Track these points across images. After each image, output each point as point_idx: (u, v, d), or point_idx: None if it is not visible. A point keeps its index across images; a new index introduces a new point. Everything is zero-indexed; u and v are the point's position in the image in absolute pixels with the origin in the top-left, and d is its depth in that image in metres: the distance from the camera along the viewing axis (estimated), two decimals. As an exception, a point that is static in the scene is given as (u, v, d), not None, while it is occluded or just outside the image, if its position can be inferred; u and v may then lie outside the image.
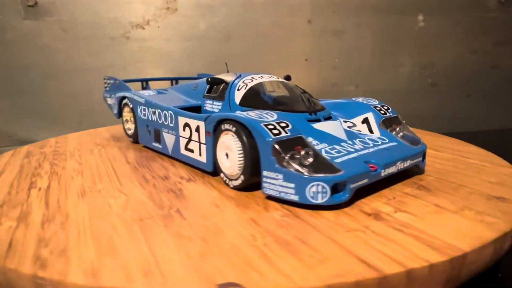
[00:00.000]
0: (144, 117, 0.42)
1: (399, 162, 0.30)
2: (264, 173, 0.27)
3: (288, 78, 0.41)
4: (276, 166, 0.26)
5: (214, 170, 0.33)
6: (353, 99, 0.38)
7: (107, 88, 0.51)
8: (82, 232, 0.23)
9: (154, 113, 0.40)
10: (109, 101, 0.50)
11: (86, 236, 0.22)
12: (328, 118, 0.34)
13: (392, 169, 0.30)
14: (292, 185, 0.26)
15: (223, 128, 0.30)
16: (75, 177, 0.33)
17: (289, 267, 0.19)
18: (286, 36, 0.67)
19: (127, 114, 0.46)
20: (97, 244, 0.21)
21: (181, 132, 0.36)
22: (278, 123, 0.28)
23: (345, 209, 0.26)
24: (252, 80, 0.37)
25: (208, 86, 0.40)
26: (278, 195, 0.27)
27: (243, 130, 0.28)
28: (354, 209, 0.26)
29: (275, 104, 0.34)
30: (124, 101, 0.46)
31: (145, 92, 0.45)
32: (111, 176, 0.34)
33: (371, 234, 0.22)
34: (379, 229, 0.23)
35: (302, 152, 0.27)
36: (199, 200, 0.28)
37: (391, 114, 0.36)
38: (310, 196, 0.26)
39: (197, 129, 0.33)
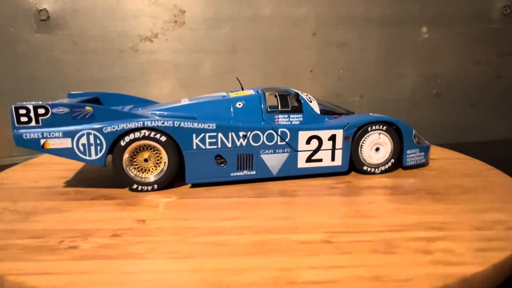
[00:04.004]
0: (213, 146, 0.36)
1: None
2: (408, 151, 0.41)
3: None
4: (417, 144, 0.42)
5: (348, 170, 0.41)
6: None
7: (34, 123, 0.33)
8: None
9: (244, 137, 0.36)
10: (57, 143, 0.33)
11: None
12: None
13: None
14: (423, 153, 0.43)
15: (370, 129, 0.40)
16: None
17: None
18: (291, 48, 0.68)
19: (139, 155, 0.35)
20: None
21: (301, 147, 0.38)
22: None
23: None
24: (306, 94, 0.43)
25: (267, 103, 0.40)
26: (415, 163, 0.42)
27: (390, 127, 0.40)
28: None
29: (340, 110, 0.44)
30: (129, 137, 0.34)
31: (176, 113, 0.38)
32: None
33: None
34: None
35: None
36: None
37: None
38: (429, 158, 0.44)
39: (332, 138, 0.39)
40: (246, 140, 0.36)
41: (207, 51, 0.66)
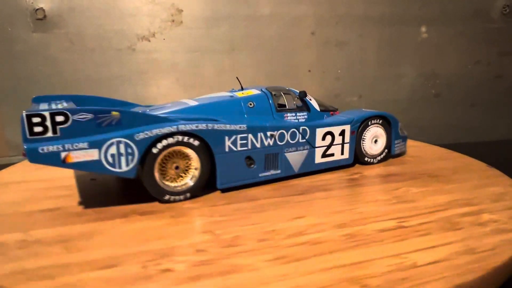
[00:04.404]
0: (243, 148, 0.35)
1: None
2: (396, 142, 0.45)
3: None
4: (401, 134, 0.46)
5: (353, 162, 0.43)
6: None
7: (51, 134, 0.27)
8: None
9: (271, 136, 0.36)
10: (82, 156, 0.28)
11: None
12: None
13: None
14: (404, 143, 0.47)
15: (370, 123, 0.43)
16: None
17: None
18: (290, 47, 0.68)
19: (188, 160, 0.33)
20: None
21: (318, 143, 0.39)
22: None
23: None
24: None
25: (275, 102, 0.40)
26: (399, 151, 0.46)
27: (384, 120, 0.44)
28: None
29: (330, 107, 0.45)
30: (162, 143, 0.31)
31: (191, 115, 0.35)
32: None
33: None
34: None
35: None
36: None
37: None
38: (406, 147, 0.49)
39: (342, 133, 0.41)
40: (273, 139, 0.36)
41: (205, 50, 0.65)
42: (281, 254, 0.25)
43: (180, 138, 0.31)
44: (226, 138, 0.33)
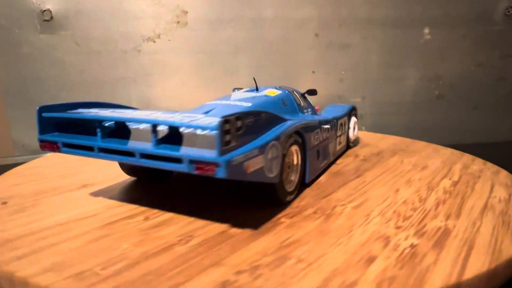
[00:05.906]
0: (317, 141, 0.36)
1: None
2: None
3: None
4: None
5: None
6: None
7: (234, 142, 0.24)
8: None
9: (326, 129, 0.38)
10: (254, 164, 0.24)
11: None
12: None
13: None
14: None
15: (352, 114, 0.50)
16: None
17: None
18: (294, 49, 0.68)
19: (293, 158, 0.32)
20: None
21: (338, 133, 0.44)
22: None
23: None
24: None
25: (295, 99, 0.41)
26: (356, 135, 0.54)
27: (355, 111, 0.52)
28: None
29: None
30: (291, 140, 0.30)
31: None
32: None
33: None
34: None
35: None
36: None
37: None
38: None
39: (344, 123, 0.47)
40: (326, 133, 0.39)
41: (210, 51, 0.66)
42: (444, 214, 0.29)
43: (295, 137, 0.30)
44: (312, 134, 0.34)
